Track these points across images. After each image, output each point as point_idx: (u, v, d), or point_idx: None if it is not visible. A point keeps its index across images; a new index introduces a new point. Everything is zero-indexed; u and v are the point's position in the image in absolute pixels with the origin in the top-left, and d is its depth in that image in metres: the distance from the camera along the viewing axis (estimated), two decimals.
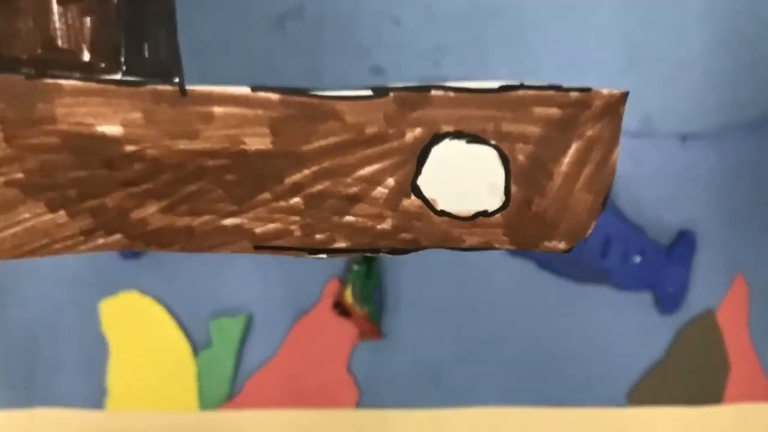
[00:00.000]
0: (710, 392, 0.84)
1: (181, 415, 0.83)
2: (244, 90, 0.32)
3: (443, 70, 0.82)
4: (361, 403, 0.83)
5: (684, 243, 0.81)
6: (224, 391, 0.83)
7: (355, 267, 0.79)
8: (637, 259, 0.81)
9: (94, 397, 0.83)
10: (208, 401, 0.83)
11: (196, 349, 0.83)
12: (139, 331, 0.83)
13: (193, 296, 0.83)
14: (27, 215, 0.33)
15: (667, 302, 0.82)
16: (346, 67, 0.82)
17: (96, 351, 0.83)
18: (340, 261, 0.82)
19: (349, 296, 0.80)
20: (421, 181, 0.35)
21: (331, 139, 0.34)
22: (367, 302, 0.80)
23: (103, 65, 0.33)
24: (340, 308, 0.81)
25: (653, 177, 0.81)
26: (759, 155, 0.81)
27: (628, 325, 0.83)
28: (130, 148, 0.32)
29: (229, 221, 0.35)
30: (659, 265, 0.81)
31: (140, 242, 0.35)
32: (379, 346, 0.83)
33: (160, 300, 0.83)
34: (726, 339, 0.83)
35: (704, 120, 0.81)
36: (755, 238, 0.82)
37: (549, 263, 0.81)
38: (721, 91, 0.81)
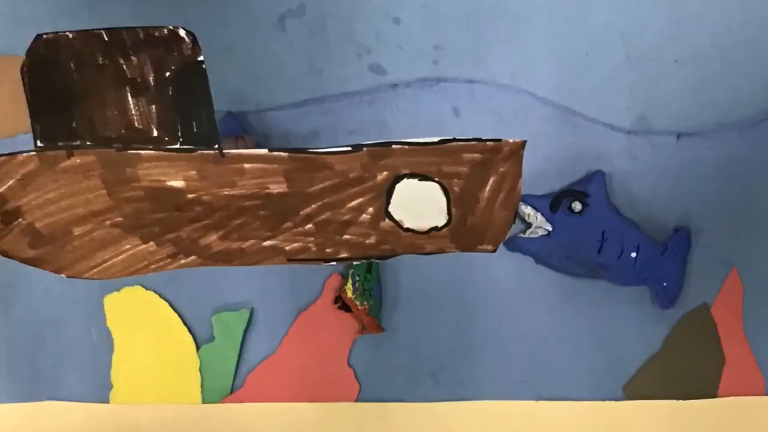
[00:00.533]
0: (705, 386, 0.85)
1: (184, 408, 0.84)
2: (263, 151, 0.47)
3: (442, 68, 0.83)
4: (361, 397, 0.85)
5: (679, 239, 0.82)
6: (227, 384, 0.84)
7: (356, 262, 0.80)
8: (633, 254, 0.82)
9: (99, 390, 0.84)
10: (211, 394, 0.84)
11: (199, 343, 0.84)
12: (143, 325, 0.84)
13: (196, 291, 0.84)
14: (128, 246, 0.49)
15: (664, 297, 0.83)
16: (347, 66, 0.83)
17: (101, 345, 0.84)
18: None
19: (349, 290, 0.81)
20: (391, 209, 0.50)
21: (327, 183, 0.48)
22: (367, 297, 0.81)
23: (166, 138, 0.48)
24: (341, 302, 0.82)
25: (648, 174, 0.82)
26: (752, 152, 0.82)
27: (624, 319, 0.84)
28: (190, 195, 0.47)
29: (267, 243, 0.51)
30: (655, 260, 0.82)
31: (210, 261, 0.51)
32: (379, 340, 0.84)
33: (163, 295, 0.84)
34: (721, 333, 0.84)
35: (698, 118, 0.82)
36: (749, 234, 0.83)
37: (547, 259, 0.82)
38: (715, 89, 0.82)
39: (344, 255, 0.52)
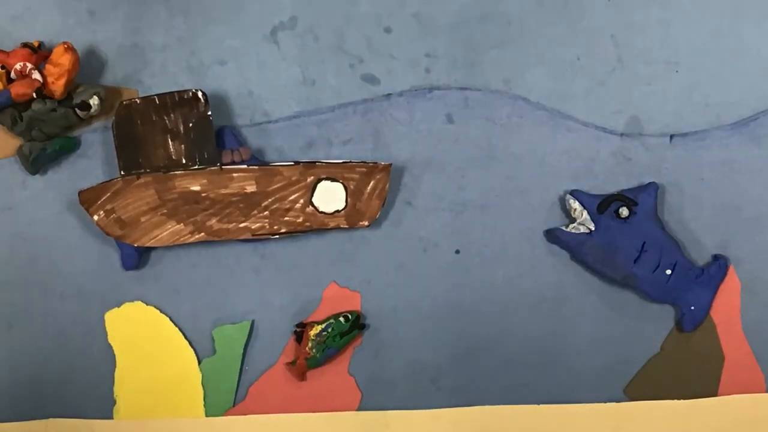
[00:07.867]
0: (705, 385, 0.85)
1: (188, 422, 0.84)
2: (244, 166, 0.82)
3: (434, 76, 0.83)
4: (363, 405, 0.85)
5: (717, 267, 0.82)
6: (229, 397, 0.84)
7: (341, 319, 0.81)
8: (668, 271, 0.81)
9: (103, 406, 0.84)
10: (214, 407, 0.84)
11: (201, 356, 0.84)
12: (144, 340, 0.84)
13: (196, 305, 0.84)
14: (169, 226, 0.83)
15: (689, 320, 0.83)
16: (340, 77, 0.84)
17: (103, 361, 0.84)
18: (335, 271, 0.85)
19: (315, 329, 0.81)
20: (314, 199, 0.84)
21: (278, 184, 0.84)
22: (320, 350, 0.82)
23: (190, 163, 0.84)
24: (300, 333, 0.83)
25: (642, 175, 0.83)
26: (745, 151, 0.83)
27: (624, 321, 0.84)
28: (203, 194, 0.83)
29: (242, 225, 0.84)
30: (689, 282, 0.82)
31: (211, 236, 0.83)
32: (379, 348, 0.84)
33: (163, 310, 0.84)
34: (720, 331, 0.84)
35: (691, 118, 0.83)
36: (745, 232, 0.84)
37: (583, 256, 0.82)
38: (707, 89, 0.83)
39: (284, 230, 0.83)
